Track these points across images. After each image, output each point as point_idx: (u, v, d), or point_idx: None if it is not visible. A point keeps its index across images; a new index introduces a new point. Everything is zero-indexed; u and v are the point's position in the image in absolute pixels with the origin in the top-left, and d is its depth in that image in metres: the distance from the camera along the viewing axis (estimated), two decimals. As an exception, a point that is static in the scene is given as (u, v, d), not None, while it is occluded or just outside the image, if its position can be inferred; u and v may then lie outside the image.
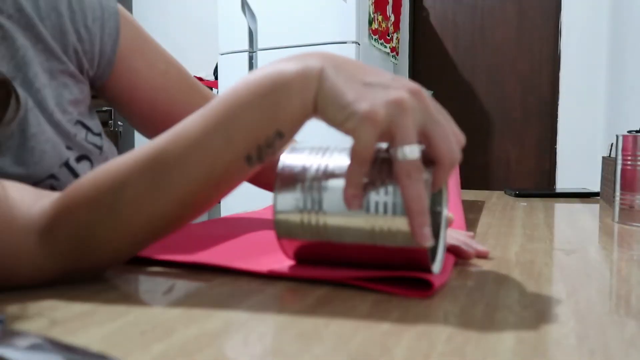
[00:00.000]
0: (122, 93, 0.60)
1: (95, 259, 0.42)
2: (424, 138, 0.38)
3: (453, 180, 0.79)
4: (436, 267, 0.42)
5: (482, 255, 0.52)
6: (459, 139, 0.39)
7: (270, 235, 0.59)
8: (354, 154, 0.37)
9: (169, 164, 0.39)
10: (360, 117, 0.36)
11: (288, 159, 0.43)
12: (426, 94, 0.38)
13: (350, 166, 0.38)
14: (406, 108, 0.36)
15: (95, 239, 0.40)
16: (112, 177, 0.40)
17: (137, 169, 0.40)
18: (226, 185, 0.41)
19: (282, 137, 0.39)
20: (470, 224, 0.72)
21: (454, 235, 0.53)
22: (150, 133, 0.63)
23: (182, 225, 0.43)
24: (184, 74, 0.64)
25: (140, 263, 0.48)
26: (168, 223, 0.41)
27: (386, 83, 0.38)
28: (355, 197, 0.38)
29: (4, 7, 0.49)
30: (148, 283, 0.42)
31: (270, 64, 0.41)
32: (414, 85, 0.38)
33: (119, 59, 0.57)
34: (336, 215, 0.40)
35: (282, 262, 0.45)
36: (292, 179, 0.41)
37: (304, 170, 0.41)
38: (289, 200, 0.41)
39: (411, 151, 0.36)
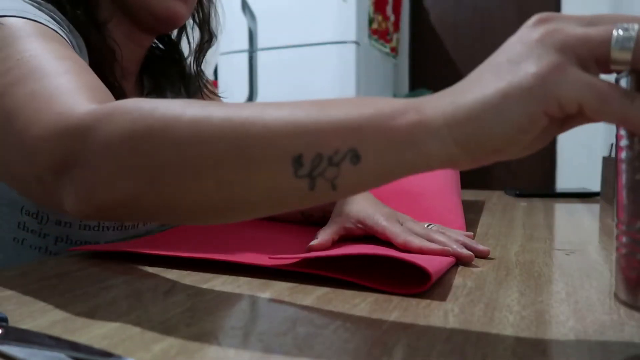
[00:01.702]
0: None
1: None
2: None
3: (453, 180, 0.79)
4: None
5: (483, 255, 0.52)
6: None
7: (271, 233, 0.59)
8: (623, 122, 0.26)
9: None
10: (544, 84, 0.26)
11: None
12: None
13: None
14: (561, 36, 0.27)
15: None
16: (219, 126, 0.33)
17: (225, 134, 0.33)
18: (261, 177, 0.32)
19: (357, 160, 0.30)
20: (470, 224, 0.72)
21: (454, 235, 0.53)
22: None
23: (222, 214, 0.36)
24: None
25: (141, 262, 0.48)
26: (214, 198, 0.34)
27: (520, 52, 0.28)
28: None
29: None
30: (148, 283, 0.42)
31: None
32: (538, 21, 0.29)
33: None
34: None
35: (283, 258, 0.46)
36: None
37: None
38: None
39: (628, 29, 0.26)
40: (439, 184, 0.74)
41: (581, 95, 0.26)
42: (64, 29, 0.56)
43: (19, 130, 0.41)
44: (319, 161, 0.30)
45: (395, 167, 0.30)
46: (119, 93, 0.62)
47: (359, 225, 0.55)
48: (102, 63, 0.60)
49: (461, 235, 0.55)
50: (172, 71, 0.75)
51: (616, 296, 0.30)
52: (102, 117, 0.37)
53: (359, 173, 0.30)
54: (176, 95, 0.77)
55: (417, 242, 0.49)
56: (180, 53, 0.76)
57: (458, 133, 0.28)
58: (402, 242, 0.49)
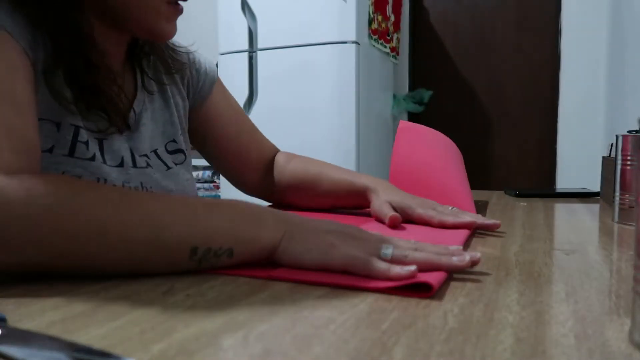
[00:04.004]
0: (204, 123, 0.81)
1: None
2: None
3: (456, 159, 0.82)
4: None
5: (493, 228, 0.61)
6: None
7: None
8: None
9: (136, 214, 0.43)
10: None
11: None
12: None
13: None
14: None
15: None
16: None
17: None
18: (166, 258, 0.44)
19: (231, 255, 0.45)
20: (470, 224, 0.72)
21: (467, 218, 0.65)
22: (214, 162, 0.86)
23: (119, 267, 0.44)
24: (253, 128, 0.87)
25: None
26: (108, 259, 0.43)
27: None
28: None
29: (161, 80, 0.74)
30: (148, 283, 0.42)
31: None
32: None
33: (210, 99, 0.81)
34: None
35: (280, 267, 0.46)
36: None
37: None
38: None
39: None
40: (446, 159, 0.84)
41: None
42: (25, 21, 0.54)
43: None
44: (207, 252, 0.44)
45: (249, 260, 0.46)
46: (103, 73, 0.60)
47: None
48: (78, 47, 0.58)
49: (470, 215, 0.67)
50: (157, 50, 0.73)
51: (631, 337, 0.31)
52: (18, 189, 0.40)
53: (229, 261, 0.45)
54: (167, 71, 0.74)
55: (450, 219, 0.64)
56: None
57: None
58: (437, 222, 0.64)
